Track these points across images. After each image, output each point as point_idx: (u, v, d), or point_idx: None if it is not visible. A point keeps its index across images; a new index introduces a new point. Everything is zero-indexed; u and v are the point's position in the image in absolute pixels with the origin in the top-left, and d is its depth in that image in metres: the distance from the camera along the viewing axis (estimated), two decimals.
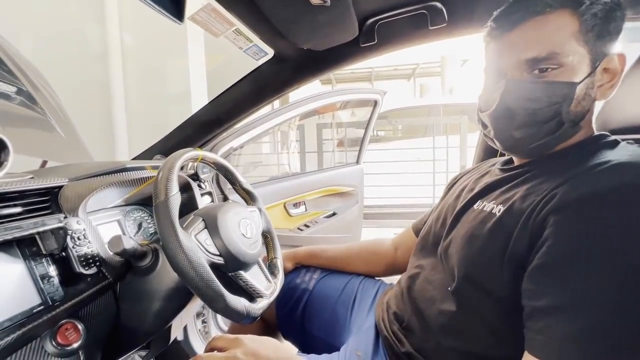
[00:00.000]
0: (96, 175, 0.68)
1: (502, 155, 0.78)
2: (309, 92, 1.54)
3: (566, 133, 0.49)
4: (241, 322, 0.55)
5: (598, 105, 0.68)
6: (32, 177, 0.55)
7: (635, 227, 0.37)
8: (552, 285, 0.40)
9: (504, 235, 0.47)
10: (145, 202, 0.77)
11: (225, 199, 0.84)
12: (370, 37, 0.87)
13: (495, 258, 0.47)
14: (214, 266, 0.54)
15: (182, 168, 0.73)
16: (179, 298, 0.59)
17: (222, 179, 1.14)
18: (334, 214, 1.64)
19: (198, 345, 1.14)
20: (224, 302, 0.50)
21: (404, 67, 8.46)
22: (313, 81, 1.04)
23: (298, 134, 3.67)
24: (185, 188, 0.79)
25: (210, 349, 0.55)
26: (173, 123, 1.14)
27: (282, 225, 1.46)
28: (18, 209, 0.50)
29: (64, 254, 0.51)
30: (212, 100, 1.09)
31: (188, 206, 0.73)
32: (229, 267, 0.57)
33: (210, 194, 0.96)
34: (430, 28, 0.81)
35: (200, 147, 1.13)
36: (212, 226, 0.57)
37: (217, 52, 3.01)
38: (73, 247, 0.52)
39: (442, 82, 7.68)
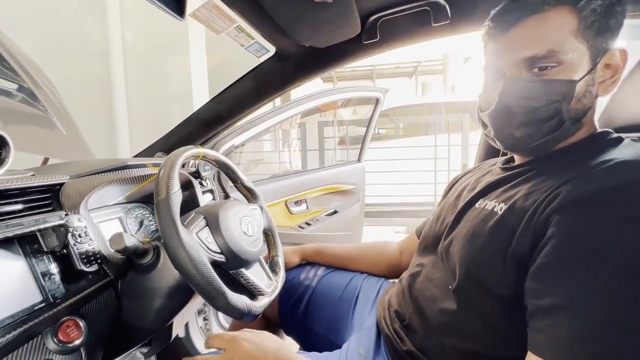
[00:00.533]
0: (97, 173, 0.68)
1: (504, 154, 0.78)
2: (311, 89, 1.54)
3: (567, 131, 0.49)
4: (242, 320, 0.55)
5: (603, 102, 0.68)
6: (33, 175, 0.55)
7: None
8: (555, 285, 0.39)
9: (505, 234, 0.46)
10: (146, 200, 0.77)
11: (227, 196, 0.84)
12: (373, 34, 0.86)
13: (496, 256, 0.47)
14: (215, 264, 0.54)
15: (183, 166, 0.73)
16: (180, 295, 0.59)
17: (223, 176, 1.14)
18: (335, 212, 1.64)
19: (199, 342, 1.15)
20: (225, 300, 0.50)
21: (406, 65, 8.42)
22: (315, 79, 1.03)
23: (299, 131, 3.67)
24: (186, 186, 0.79)
25: (208, 346, 0.54)
26: (174, 120, 1.14)
27: (284, 223, 1.46)
28: (19, 206, 0.50)
29: (65, 251, 0.51)
30: (213, 98, 1.09)
31: (189, 204, 0.74)
32: (230, 265, 0.57)
33: (211, 191, 0.96)
34: (433, 25, 0.81)
35: (202, 144, 1.13)
36: (213, 224, 0.57)
37: (219, 49, 3.01)
38: (74, 245, 0.52)
39: (444, 80, 7.66)
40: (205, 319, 1.23)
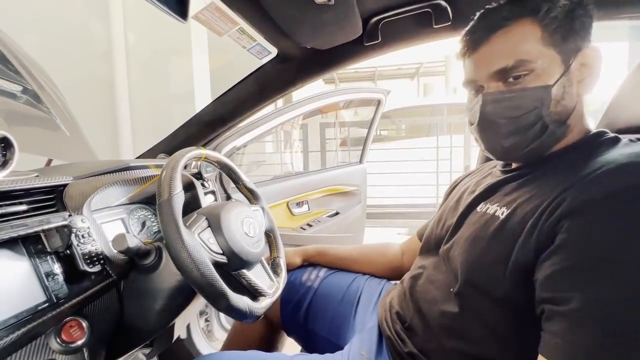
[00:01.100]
0: (100, 174, 0.68)
1: None
2: (312, 91, 1.54)
3: (554, 134, 0.50)
4: (244, 321, 0.55)
5: (605, 103, 0.68)
6: (37, 176, 0.55)
7: None
8: (573, 290, 0.39)
9: (507, 240, 0.46)
10: (149, 201, 0.78)
11: (229, 197, 0.84)
12: (374, 36, 0.86)
13: (498, 261, 0.47)
14: (217, 265, 0.54)
15: (185, 167, 0.73)
16: (182, 296, 0.60)
17: (225, 177, 1.15)
18: (336, 213, 1.64)
19: (201, 343, 1.15)
20: (226, 301, 0.50)
21: (408, 67, 8.42)
22: (316, 80, 1.04)
23: (301, 133, 3.68)
24: (188, 187, 0.79)
25: None
26: (177, 122, 1.15)
27: (285, 224, 1.46)
28: (24, 207, 0.50)
29: (68, 251, 0.52)
30: (215, 100, 1.09)
31: (191, 205, 0.74)
32: (232, 266, 0.58)
33: (213, 192, 0.96)
34: (435, 27, 0.81)
35: (204, 146, 1.13)
36: (215, 225, 0.57)
37: (221, 51, 3.02)
38: (77, 245, 0.52)
39: (446, 81, 7.64)
40: (207, 320, 1.23)
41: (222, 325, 1.30)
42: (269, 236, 0.76)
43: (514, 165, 0.58)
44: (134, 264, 0.59)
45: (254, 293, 0.59)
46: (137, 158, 1.09)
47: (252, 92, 1.03)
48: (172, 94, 2.76)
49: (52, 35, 2.54)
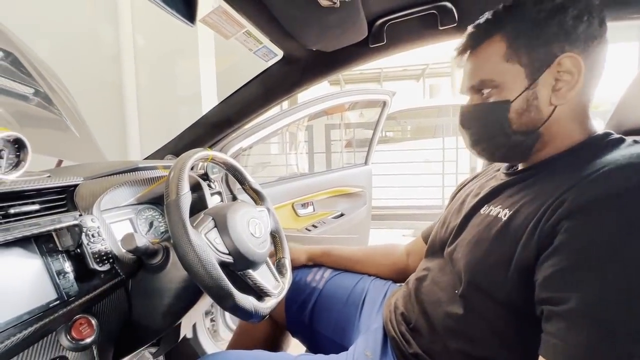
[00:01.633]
0: (110, 175, 0.69)
1: None
2: (318, 92, 1.55)
3: (523, 142, 0.52)
4: (249, 321, 0.55)
5: (612, 105, 0.67)
6: (49, 176, 0.57)
7: None
8: (571, 290, 0.39)
9: (509, 241, 0.46)
10: (156, 201, 0.79)
11: (235, 198, 0.85)
12: (380, 37, 0.87)
13: (500, 263, 0.47)
14: (223, 265, 0.55)
15: (192, 168, 0.74)
16: (189, 296, 0.60)
17: (231, 178, 1.16)
18: (342, 214, 1.64)
19: (206, 343, 1.16)
20: (232, 301, 0.51)
21: (414, 68, 8.39)
22: (322, 82, 1.04)
23: (307, 134, 3.69)
24: (195, 187, 0.80)
25: None
26: (184, 124, 1.16)
27: (290, 225, 1.46)
28: (36, 207, 0.51)
29: (78, 250, 0.53)
30: (222, 101, 1.10)
31: (198, 205, 0.75)
32: (238, 266, 0.58)
33: (219, 193, 0.97)
34: (440, 28, 0.81)
35: (210, 147, 1.14)
36: (221, 225, 0.58)
37: (227, 53, 3.05)
38: (87, 244, 0.53)
39: (452, 82, 7.60)
40: (212, 320, 1.24)
41: (228, 325, 1.30)
42: (275, 237, 0.76)
43: (517, 168, 0.58)
44: (141, 263, 0.60)
45: (259, 293, 0.60)
46: (145, 159, 1.11)
47: (258, 94, 1.04)
48: (180, 96, 2.79)
49: (62, 39, 2.58)
